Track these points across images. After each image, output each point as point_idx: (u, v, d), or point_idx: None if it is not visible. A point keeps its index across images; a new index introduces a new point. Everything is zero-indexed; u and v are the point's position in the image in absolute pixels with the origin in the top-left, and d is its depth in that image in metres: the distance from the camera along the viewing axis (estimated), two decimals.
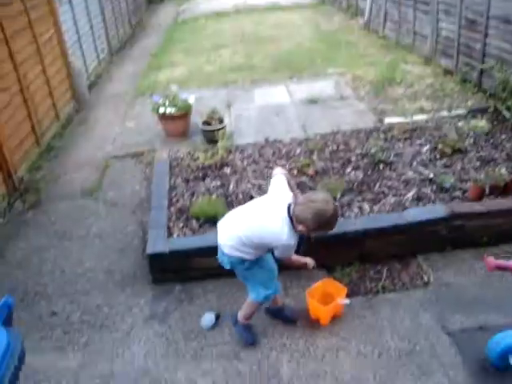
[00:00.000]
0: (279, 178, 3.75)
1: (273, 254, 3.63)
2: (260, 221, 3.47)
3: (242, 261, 3.59)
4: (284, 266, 3.90)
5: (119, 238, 5.30)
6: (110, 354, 3.97)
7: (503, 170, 5.25)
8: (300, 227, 3.36)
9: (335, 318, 4.09)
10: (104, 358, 3.94)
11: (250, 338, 3.97)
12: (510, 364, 3.43)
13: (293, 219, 3.37)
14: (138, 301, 4.48)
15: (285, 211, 3.39)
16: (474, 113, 6.95)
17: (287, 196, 3.56)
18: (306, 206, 3.31)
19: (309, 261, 3.85)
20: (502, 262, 2.82)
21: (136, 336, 4.12)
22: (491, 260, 2.82)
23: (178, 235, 4.84)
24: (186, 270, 4.60)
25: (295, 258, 3.69)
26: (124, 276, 4.79)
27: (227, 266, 3.68)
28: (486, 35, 7.24)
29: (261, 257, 3.63)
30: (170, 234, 4.83)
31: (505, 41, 6.79)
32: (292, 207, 3.40)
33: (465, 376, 3.57)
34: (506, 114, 6.60)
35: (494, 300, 4.18)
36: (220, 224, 3.72)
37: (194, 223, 4.99)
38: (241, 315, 3.96)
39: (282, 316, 4.13)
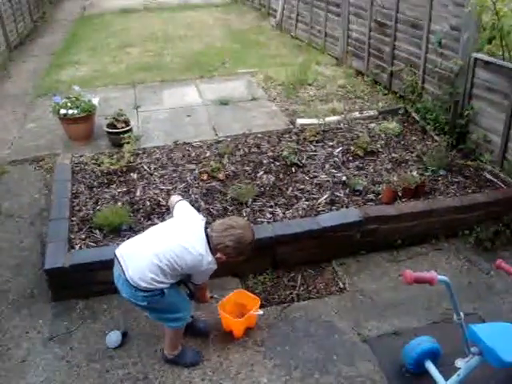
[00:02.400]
0: (182, 203, 3.51)
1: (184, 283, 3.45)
2: (184, 244, 3.15)
3: (161, 291, 3.22)
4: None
5: (15, 254, 4.85)
6: None
7: (414, 173, 5.31)
8: (218, 255, 3.18)
9: (249, 330, 3.92)
10: None
11: (190, 358, 3.68)
12: (426, 369, 3.43)
13: (210, 245, 3.17)
14: (36, 322, 4.09)
15: (204, 237, 3.19)
16: (384, 114, 7.04)
17: (201, 221, 3.33)
18: (226, 233, 3.16)
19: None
20: (419, 275, 2.77)
21: (33, 363, 3.74)
22: (409, 273, 2.75)
23: (80, 247, 4.49)
24: (89, 284, 4.26)
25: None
26: (20, 295, 4.36)
27: (144, 303, 3.25)
28: (395, 38, 7.36)
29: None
30: (71, 247, 4.47)
31: (412, 45, 6.91)
32: (209, 233, 3.20)
33: (383, 383, 3.51)
34: (416, 116, 6.72)
35: (406, 304, 4.20)
36: (124, 256, 3.23)
37: (98, 234, 4.66)
38: (167, 350, 3.65)
39: (193, 329, 3.88)
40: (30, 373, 3.66)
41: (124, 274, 3.17)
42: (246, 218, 4.76)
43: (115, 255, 3.27)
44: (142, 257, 3.18)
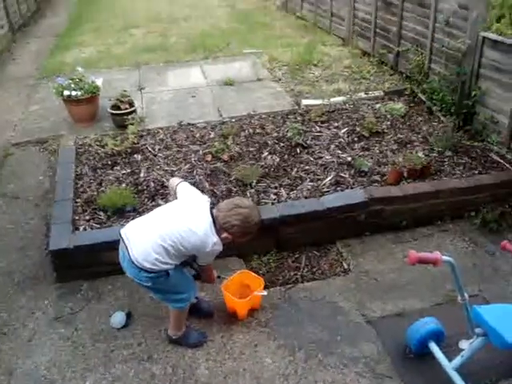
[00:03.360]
0: (185, 185, 3.49)
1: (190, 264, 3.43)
2: (189, 225, 3.13)
3: (166, 272, 3.21)
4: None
5: (20, 235, 4.86)
6: (8, 365, 3.59)
7: (420, 153, 5.25)
8: (224, 234, 3.18)
9: (253, 311, 3.92)
10: (1, 371, 3.55)
11: (193, 339, 3.69)
12: (429, 350, 3.42)
13: (216, 226, 3.16)
14: (41, 303, 4.11)
15: (210, 217, 3.17)
16: (390, 95, 6.98)
17: (206, 201, 3.32)
18: (232, 212, 3.14)
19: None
20: (423, 255, 2.75)
21: (39, 342, 3.76)
22: (413, 254, 2.74)
23: (85, 229, 4.49)
24: (93, 266, 4.27)
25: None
26: (25, 277, 4.38)
27: (148, 283, 3.25)
28: (402, 18, 7.25)
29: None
30: (75, 228, 4.47)
31: (420, 24, 6.81)
32: (214, 212, 3.18)
33: (386, 364, 3.52)
34: (422, 96, 6.65)
35: (411, 285, 4.19)
36: (129, 237, 3.22)
37: (102, 215, 4.65)
38: (172, 331, 3.65)
39: (198, 309, 3.88)
40: (36, 352, 3.69)
41: (129, 254, 3.17)
42: (250, 199, 4.74)
43: (120, 235, 3.27)
44: (146, 237, 3.18)
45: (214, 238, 3.15)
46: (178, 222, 3.18)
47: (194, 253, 3.25)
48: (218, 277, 3.81)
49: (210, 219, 3.17)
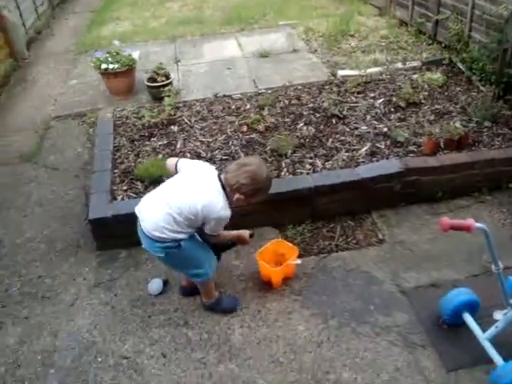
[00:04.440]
0: (184, 160, 3.53)
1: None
2: (194, 193, 3.17)
3: (178, 243, 3.26)
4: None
5: (61, 205, 5.02)
6: (53, 328, 3.76)
7: (458, 124, 5.14)
8: (236, 196, 3.19)
9: (287, 279, 3.97)
10: (46, 332, 3.73)
11: (227, 304, 3.78)
12: (463, 320, 3.42)
13: (226, 189, 3.19)
14: (82, 270, 4.26)
15: (217, 182, 3.20)
16: (428, 65, 6.81)
17: (211, 168, 3.36)
18: (240, 172, 3.14)
19: (242, 232, 3.60)
20: (456, 222, 2.71)
21: (80, 307, 3.92)
22: (445, 220, 2.70)
23: (122, 198, 4.60)
24: (131, 235, 4.28)
25: (225, 233, 3.45)
26: (67, 245, 4.54)
27: (161, 254, 3.32)
28: None
29: (193, 234, 3.38)
30: (113, 198, 4.58)
31: None
32: (223, 176, 3.21)
33: (419, 334, 3.53)
34: (461, 66, 6.48)
35: (446, 256, 4.15)
36: (140, 209, 3.34)
37: (139, 185, 4.75)
38: (204, 298, 3.75)
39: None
40: (78, 315, 3.84)
41: (141, 225, 3.29)
42: (285, 169, 4.76)
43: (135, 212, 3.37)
44: (154, 208, 3.25)
45: (221, 203, 3.14)
46: (185, 189, 3.22)
47: (203, 220, 3.21)
48: (251, 235, 3.69)
49: (218, 184, 3.19)
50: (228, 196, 3.21)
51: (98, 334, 3.68)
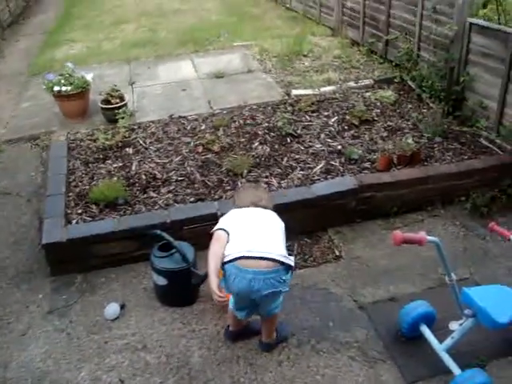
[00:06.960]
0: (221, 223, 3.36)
1: None
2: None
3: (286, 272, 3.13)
4: None
5: (13, 231, 4.88)
6: (3, 359, 3.61)
7: (410, 140, 5.27)
8: None
9: None
10: None
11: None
12: (421, 333, 3.47)
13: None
14: (36, 297, 4.13)
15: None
16: (380, 83, 7.00)
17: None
18: (263, 193, 3.74)
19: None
20: (408, 235, 2.76)
21: (33, 335, 3.79)
22: (398, 234, 2.75)
23: (77, 222, 4.51)
24: (86, 258, 4.29)
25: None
26: (19, 271, 4.40)
27: (285, 288, 3.17)
28: (390, 6, 7.26)
29: None
30: (68, 222, 4.48)
31: (408, 12, 6.83)
32: (263, 204, 3.55)
33: (379, 348, 3.56)
34: (412, 84, 6.67)
35: (402, 270, 4.23)
36: (250, 249, 3.05)
37: (94, 208, 4.67)
38: (269, 337, 3.54)
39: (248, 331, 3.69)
40: (31, 345, 3.71)
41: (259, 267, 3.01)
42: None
43: (233, 266, 3.04)
44: (268, 242, 3.16)
45: None
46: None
47: None
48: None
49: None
50: None
51: (53, 363, 3.56)
